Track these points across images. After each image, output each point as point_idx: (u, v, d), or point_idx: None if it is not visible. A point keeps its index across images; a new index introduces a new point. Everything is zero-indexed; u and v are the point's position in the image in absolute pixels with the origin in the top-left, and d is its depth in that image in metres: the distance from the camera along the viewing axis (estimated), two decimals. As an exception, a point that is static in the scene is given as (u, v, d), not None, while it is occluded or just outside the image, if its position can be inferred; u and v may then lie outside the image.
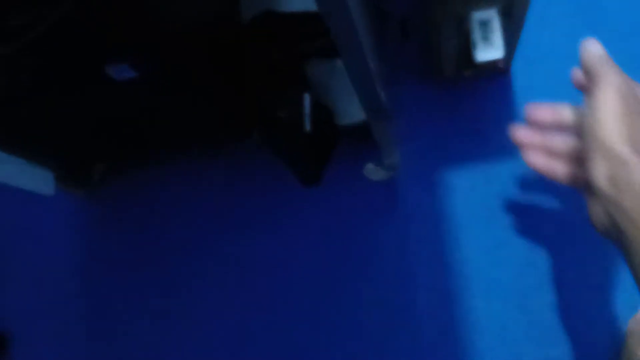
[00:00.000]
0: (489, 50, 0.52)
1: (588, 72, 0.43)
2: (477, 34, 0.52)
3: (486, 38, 0.52)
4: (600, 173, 0.37)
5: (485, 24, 0.52)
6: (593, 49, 0.43)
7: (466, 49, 0.60)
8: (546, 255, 0.63)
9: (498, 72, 0.68)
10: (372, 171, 0.59)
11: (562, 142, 0.47)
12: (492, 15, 0.52)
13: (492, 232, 0.65)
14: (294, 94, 0.60)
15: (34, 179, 0.62)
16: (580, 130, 0.44)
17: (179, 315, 0.71)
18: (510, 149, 0.66)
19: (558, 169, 0.47)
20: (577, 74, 0.45)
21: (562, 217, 0.64)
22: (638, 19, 0.68)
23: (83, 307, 0.73)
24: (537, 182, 0.65)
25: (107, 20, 0.41)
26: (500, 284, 0.63)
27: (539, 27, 0.68)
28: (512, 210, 0.65)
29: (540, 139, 0.48)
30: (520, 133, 0.49)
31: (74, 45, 0.41)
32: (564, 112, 0.47)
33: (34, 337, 0.73)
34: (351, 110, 0.63)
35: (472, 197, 0.66)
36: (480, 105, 0.69)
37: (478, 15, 0.52)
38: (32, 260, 0.74)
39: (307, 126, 0.59)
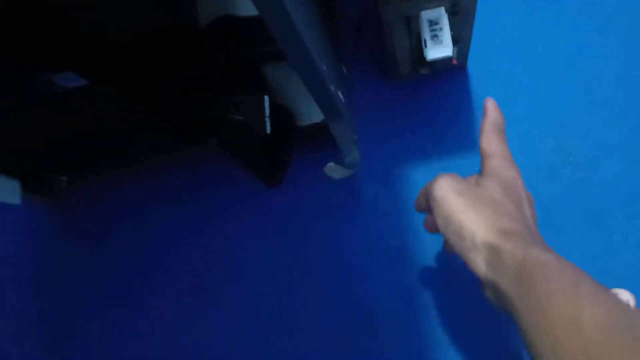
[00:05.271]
0: (439, 49, 0.53)
1: (482, 156, 0.48)
2: (426, 33, 0.54)
3: (435, 36, 0.54)
4: (479, 262, 0.41)
5: (434, 23, 0.54)
6: (490, 124, 0.49)
7: (419, 48, 0.61)
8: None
9: (454, 68, 0.70)
10: (333, 170, 0.60)
11: None
12: (441, 14, 0.53)
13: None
14: (253, 97, 0.61)
15: (1, 188, 0.63)
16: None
17: (137, 323, 0.71)
18: (468, 144, 0.68)
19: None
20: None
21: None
22: (590, 10, 0.70)
23: (41, 313, 0.73)
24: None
25: (50, 27, 0.41)
26: (461, 276, 0.65)
27: (492, 21, 0.70)
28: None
29: None
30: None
31: (16, 57, 0.42)
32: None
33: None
34: (310, 112, 0.64)
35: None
36: (437, 101, 0.70)
37: (426, 15, 0.53)
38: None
39: (268, 129, 0.60)
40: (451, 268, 0.65)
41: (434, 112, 0.70)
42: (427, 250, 0.66)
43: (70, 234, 0.74)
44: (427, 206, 0.49)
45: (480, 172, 0.48)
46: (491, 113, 0.49)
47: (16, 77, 0.45)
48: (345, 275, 0.66)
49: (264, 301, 0.68)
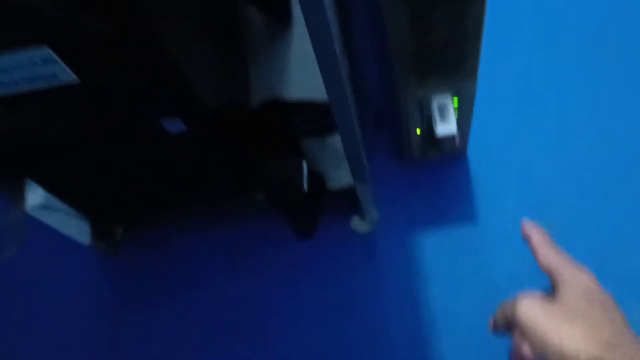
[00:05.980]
0: (446, 126, 0.68)
1: (547, 272, 0.48)
2: (436, 114, 0.69)
3: (443, 117, 0.69)
4: None
5: (442, 107, 0.69)
6: (540, 244, 0.49)
7: (429, 131, 0.76)
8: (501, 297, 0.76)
9: (456, 153, 0.84)
10: (357, 223, 0.73)
11: None
12: (448, 100, 0.69)
13: (454, 280, 0.78)
14: (293, 162, 0.75)
15: (75, 227, 0.75)
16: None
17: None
18: (466, 217, 0.82)
19: None
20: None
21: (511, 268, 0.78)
22: (566, 109, 0.86)
23: (97, 339, 0.82)
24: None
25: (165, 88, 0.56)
26: (462, 321, 0.75)
27: (489, 116, 0.86)
28: (469, 265, 0.79)
29: None
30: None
31: (135, 102, 0.56)
32: None
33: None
34: (338, 177, 0.78)
35: (436, 253, 0.80)
36: (442, 180, 0.85)
37: (437, 100, 0.69)
38: (53, 303, 0.85)
39: (305, 187, 0.74)
40: (455, 316, 0.76)
41: (439, 189, 0.84)
42: (434, 301, 0.77)
43: (124, 276, 0.85)
44: (505, 326, 0.48)
45: (553, 288, 0.47)
46: (533, 232, 0.50)
47: (126, 118, 0.59)
48: (362, 315, 0.77)
49: (287, 335, 0.78)
